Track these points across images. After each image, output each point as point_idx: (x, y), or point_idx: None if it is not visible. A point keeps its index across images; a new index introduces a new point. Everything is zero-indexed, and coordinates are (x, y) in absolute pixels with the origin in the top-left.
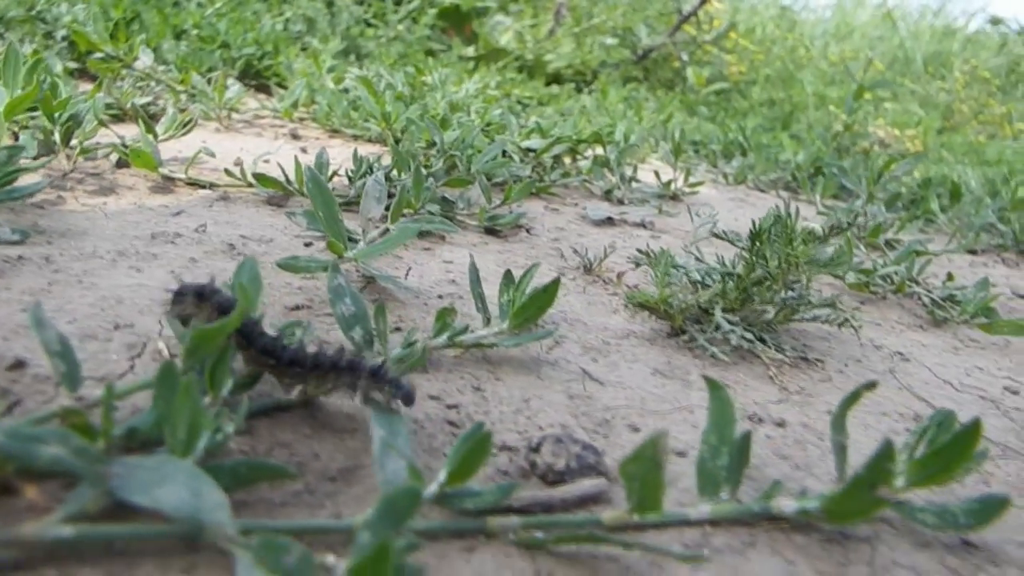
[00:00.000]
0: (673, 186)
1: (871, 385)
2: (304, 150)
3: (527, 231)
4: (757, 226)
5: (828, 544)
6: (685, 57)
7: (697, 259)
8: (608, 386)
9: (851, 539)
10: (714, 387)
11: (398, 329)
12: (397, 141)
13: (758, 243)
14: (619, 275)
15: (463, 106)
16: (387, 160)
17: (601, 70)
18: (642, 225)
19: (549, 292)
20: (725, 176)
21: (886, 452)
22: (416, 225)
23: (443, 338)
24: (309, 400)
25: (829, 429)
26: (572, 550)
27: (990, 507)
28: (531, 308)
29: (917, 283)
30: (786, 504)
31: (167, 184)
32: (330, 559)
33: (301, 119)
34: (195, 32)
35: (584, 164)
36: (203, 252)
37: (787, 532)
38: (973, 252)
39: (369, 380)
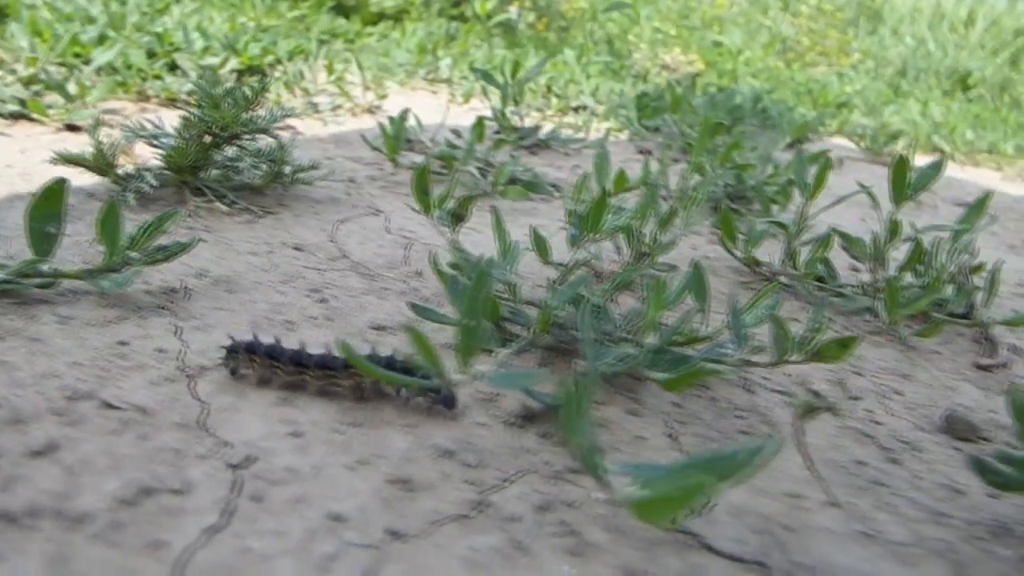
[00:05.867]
0: (356, 101)
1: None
2: None
3: (110, 127)
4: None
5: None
6: None
7: (156, 126)
8: None
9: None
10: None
11: None
12: None
13: (204, 108)
14: (130, 150)
15: (145, 28)
16: None
17: (424, 8)
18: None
19: None
20: (453, 95)
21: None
22: None
23: None
24: None
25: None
26: None
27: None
28: None
29: (492, 166)
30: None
31: None
32: None
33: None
34: None
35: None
36: None
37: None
38: (648, 152)
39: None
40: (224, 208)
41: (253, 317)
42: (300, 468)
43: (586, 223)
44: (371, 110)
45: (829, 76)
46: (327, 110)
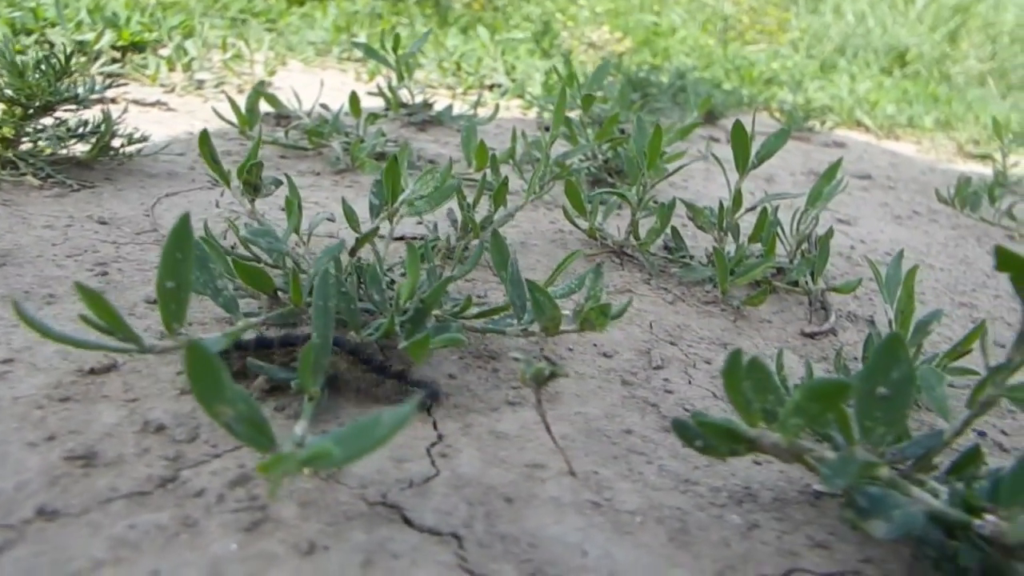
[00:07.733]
0: (245, 78)
1: None
2: None
3: None
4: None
5: None
6: None
7: None
8: None
9: None
10: None
11: None
12: None
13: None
14: None
15: (18, 3)
16: None
17: None
18: (155, 103)
19: None
20: (359, 73)
21: None
22: None
23: None
24: None
25: None
26: None
27: None
28: None
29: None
30: None
31: None
32: None
33: None
34: None
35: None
36: None
37: None
38: (545, 129)
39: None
40: (35, 181)
41: (9, 290)
42: None
43: (385, 192)
44: (262, 83)
45: (760, 54)
46: (211, 87)
